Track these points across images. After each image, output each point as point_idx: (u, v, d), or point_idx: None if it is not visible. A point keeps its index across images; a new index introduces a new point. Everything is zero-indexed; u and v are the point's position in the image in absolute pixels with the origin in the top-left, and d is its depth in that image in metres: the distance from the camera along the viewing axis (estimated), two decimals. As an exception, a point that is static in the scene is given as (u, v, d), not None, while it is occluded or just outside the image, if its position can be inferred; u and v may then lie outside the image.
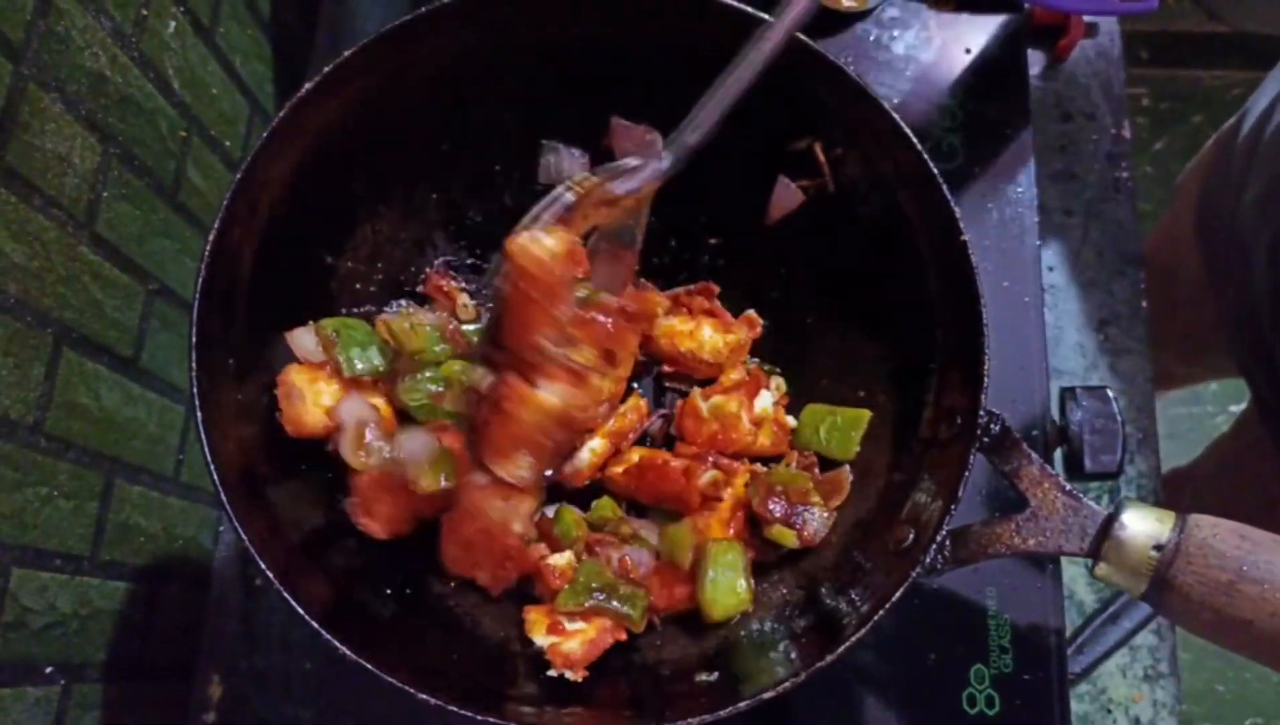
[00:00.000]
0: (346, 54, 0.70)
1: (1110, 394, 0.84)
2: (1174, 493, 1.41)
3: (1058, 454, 0.88)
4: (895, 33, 0.97)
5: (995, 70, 0.97)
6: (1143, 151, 2.26)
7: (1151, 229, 1.34)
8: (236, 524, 0.62)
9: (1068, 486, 0.65)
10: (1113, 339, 1.01)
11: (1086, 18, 1.06)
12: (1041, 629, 0.82)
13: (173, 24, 0.86)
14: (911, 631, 0.82)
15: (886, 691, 0.81)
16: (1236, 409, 2.10)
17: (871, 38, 0.97)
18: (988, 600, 0.83)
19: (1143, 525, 0.61)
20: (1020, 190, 0.93)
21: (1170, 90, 2.31)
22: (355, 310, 0.80)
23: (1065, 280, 1.03)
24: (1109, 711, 0.92)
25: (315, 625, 0.60)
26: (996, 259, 0.90)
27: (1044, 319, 0.90)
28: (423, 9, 0.71)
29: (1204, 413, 2.15)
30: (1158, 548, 0.60)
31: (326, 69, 0.70)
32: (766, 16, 0.68)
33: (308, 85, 0.69)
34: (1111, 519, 0.62)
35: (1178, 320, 1.24)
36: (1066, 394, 0.86)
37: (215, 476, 0.63)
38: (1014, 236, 0.91)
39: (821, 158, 0.77)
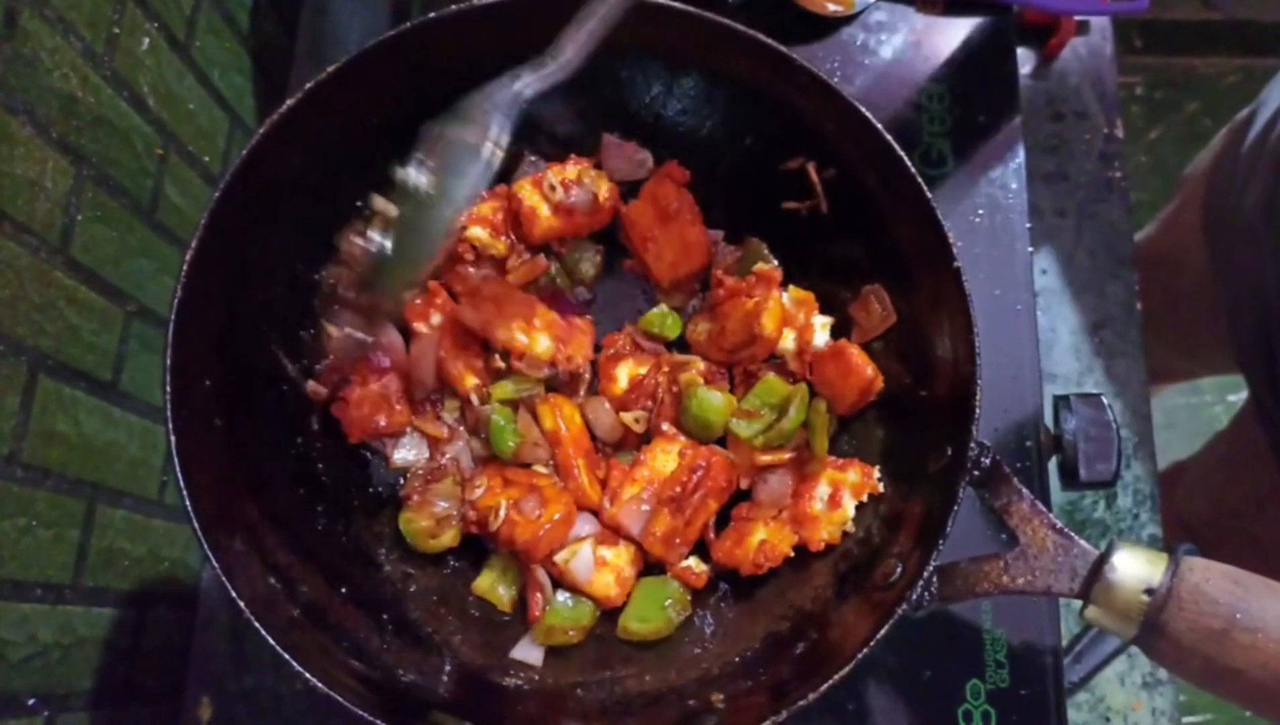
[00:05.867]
0: (330, 69, 0.69)
1: (1105, 401, 0.83)
2: (1170, 488, 1.40)
3: (1052, 463, 0.87)
4: (882, 36, 0.96)
5: (984, 73, 0.96)
6: (1138, 140, 2.24)
7: (1148, 219, 1.32)
8: (211, 557, 0.61)
9: (1059, 524, 0.64)
10: (1107, 342, 1.00)
11: (1077, 15, 1.04)
12: (1037, 643, 0.81)
13: (146, 40, 0.85)
14: (907, 649, 0.81)
15: (881, 709, 0.80)
16: (1235, 399, 2.09)
17: (858, 42, 0.96)
18: (983, 615, 0.82)
19: (1134, 568, 0.60)
20: (1011, 196, 0.92)
21: (1165, 78, 2.29)
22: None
23: (1058, 283, 1.01)
24: (1108, 720, 0.92)
25: (285, 655, 0.60)
26: (988, 266, 0.89)
27: (1037, 326, 0.89)
28: (407, 24, 0.70)
29: (1202, 403, 2.14)
30: (1149, 592, 0.59)
31: (309, 85, 0.68)
32: (742, 27, 0.67)
33: (289, 102, 0.68)
34: (1102, 560, 0.61)
35: (1178, 314, 1.23)
36: (1060, 402, 0.85)
37: (189, 505, 0.62)
38: (1005, 243, 0.90)
39: (814, 177, 0.76)
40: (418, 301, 0.78)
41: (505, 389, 0.78)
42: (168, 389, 0.63)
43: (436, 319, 0.78)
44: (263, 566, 0.68)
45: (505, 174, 0.83)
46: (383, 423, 0.77)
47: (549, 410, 0.77)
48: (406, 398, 0.79)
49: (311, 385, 0.78)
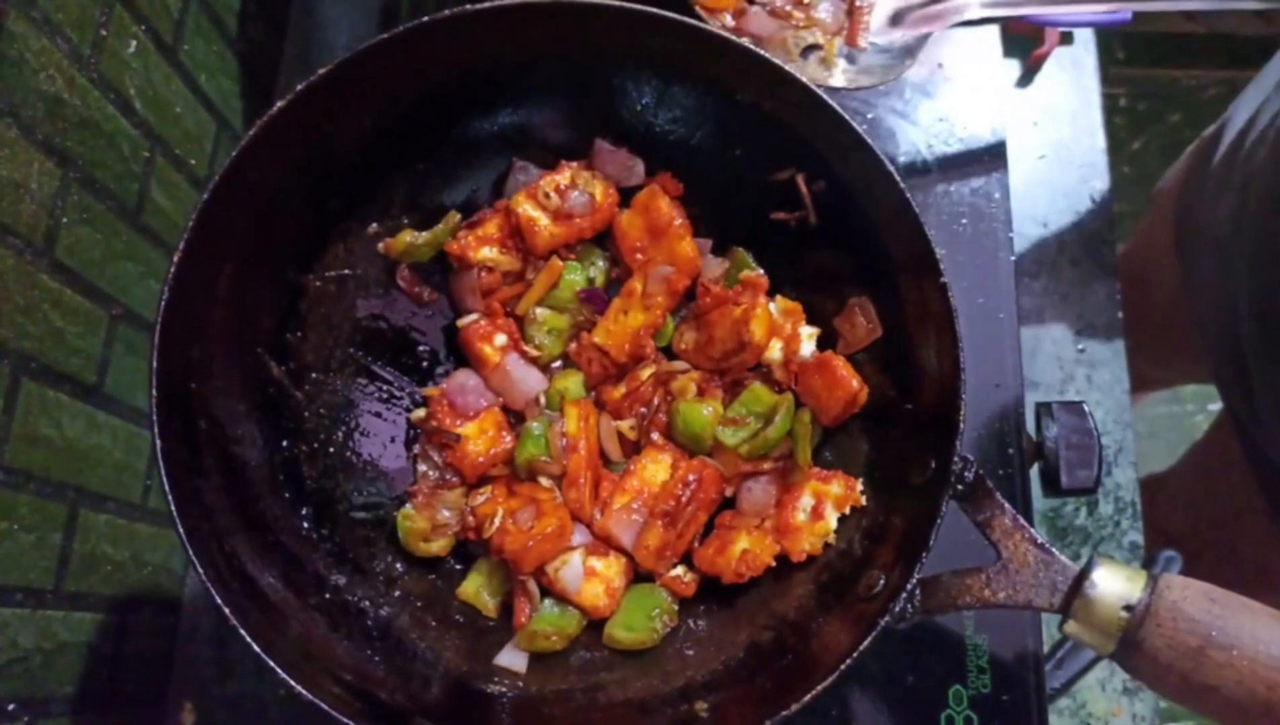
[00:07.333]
0: (320, 73, 0.68)
1: (1086, 408, 0.84)
2: (1151, 497, 1.41)
3: (1034, 470, 0.87)
4: (868, 46, 0.97)
5: (968, 83, 0.97)
6: (1120, 151, 2.27)
7: (1130, 231, 1.34)
8: (195, 561, 0.61)
9: (1040, 539, 0.64)
10: (1089, 351, 1.01)
11: (1061, 27, 1.05)
12: (1019, 649, 0.82)
13: (134, 43, 0.85)
14: (889, 654, 0.82)
15: (864, 714, 0.81)
16: (1216, 408, 2.11)
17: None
18: (965, 621, 0.82)
19: (1113, 584, 0.61)
20: (995, 206, 0.92)
21: (1147, 90, 2.32)
22: (325, 328, 0.79)
23: (1041, 292, 1.02)
24: (1088, 726, 0.93)
25: (268, 661, 0.60)
26: (971, 275, 0.90)
27: (1019, 335, 0.90)
28: (399, 29, 0.69)
29: (1184, 412, 2.16)
30: (1128, 608, 0.60)
31: (299, 88, 0.68)
32: (735, 38, 0.67)
33: (279, 105, 0.68)
34: (1083, 576, 0.62)
35: (1154, 325, 1.24)
36: (1042, 409, 0.85)
37: (174, 509, 0.62)
38: (989, 252, 0.91)
39: (804, 189, 0.76)
40: (482, 323, 0.80)
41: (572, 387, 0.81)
42: (153, 392, 0.63)
43: (501, 339, 0.80)
44: (246, 571, 0.68)
45: (499, 187, 0.83)
46: (497, 452, 0.78)
47: (578, 414, 0.78)
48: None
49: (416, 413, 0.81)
